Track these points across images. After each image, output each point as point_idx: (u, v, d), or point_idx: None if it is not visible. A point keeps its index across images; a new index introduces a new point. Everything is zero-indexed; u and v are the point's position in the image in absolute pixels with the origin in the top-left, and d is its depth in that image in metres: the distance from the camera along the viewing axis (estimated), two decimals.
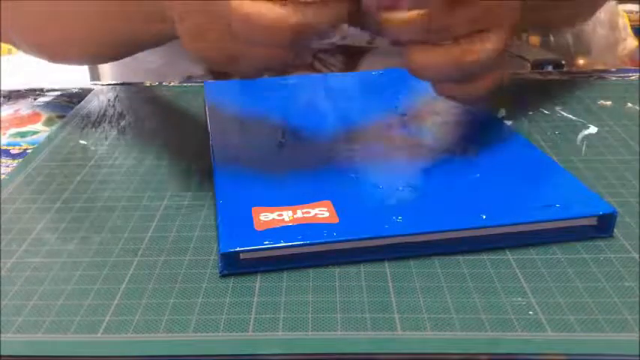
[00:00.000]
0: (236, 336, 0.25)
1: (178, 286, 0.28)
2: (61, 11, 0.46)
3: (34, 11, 0.47)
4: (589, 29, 0.76)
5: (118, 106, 0.51)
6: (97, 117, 0.49)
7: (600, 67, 0.67)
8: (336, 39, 0.59)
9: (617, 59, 0.81)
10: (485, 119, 0.42)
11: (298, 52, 0.33)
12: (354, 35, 0.59)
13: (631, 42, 0.83)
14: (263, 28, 0.30)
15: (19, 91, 0.56)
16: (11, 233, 0.33)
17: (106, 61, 0.65)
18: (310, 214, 0.30)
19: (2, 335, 0.26)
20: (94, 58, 0.58)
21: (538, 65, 0.57)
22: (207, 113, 0.45)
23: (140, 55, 0.64)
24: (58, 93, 0.56)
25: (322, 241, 0.29)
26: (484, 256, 0.30)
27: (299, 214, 0.31)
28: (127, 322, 0.26)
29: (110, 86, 0.56)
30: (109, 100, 0.52)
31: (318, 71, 0.62)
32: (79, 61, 0.57)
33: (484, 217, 0.30)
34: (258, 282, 0.28)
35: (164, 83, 0.57)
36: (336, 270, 0.29)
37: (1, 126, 0.48)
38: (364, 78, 0.53)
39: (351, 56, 0.62)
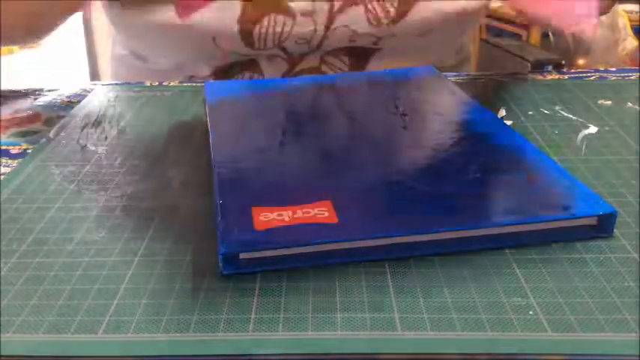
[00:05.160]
0: (236, 336, 0.25)
1: (178, 286, 0.28)
2: None
3: None
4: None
5: (117, 106, 0.51)
6: (97, 117, 0.49)
7: (600, 67, 0.67)
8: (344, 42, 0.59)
9: (617, 59, 0.81)
10: (485, 119, 0.42)
11: None
12: (359, 36, 0.59)
13: (631, 42, 0.83)
14: None
15: (19, 91, 0.56)
16: (11, 233, 0.33)
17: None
18: (310, 214, 0.30)
19: (2, 335, 0.26)
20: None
21: (538, 65, 0.57)
22: (207, 113, 0.45)
23: (146, 56, 0.64)
24: (58, 93, 0.56)
25: (322, 241, 0.29)
26: (484, 256, 0.30)
27: (299, 214, 0.31)
28: (127, 322, 0.26)
29: (110, 86, 0.56)
30: (108, 100, 0.52)
31: (325, 73, 0.62)
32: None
33: (484, 217, 0.30)
34: (258, 282, 0.28)
35: (164, 83, 0.57)
36: (336, 270, 0.29)
37: (1, 126, 0.48)
38: (365, 78, 0.53)
39: (358, 58, 0.62)
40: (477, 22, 0.67)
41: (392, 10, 0.58)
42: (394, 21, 0.58)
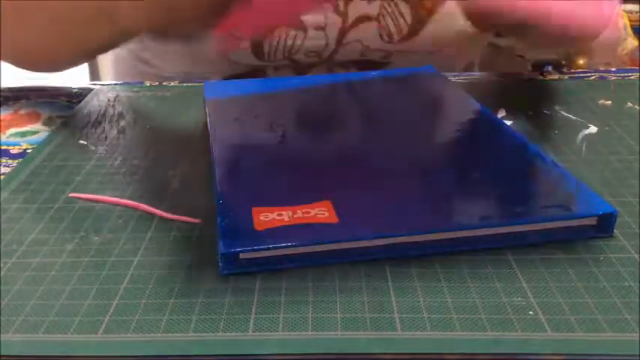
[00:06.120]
0: (236, 336, 0.25)
1: (178, 287, 0.28)
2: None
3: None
4: None
5: (117, 106, 0.51)
6: (97, 117, 0.49)
7: (600, 67, 0.67)
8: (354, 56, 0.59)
9: (617, 59, 0.80)
10: (485, 119, 0.42)
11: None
12: (371, 51, 0.59)
13: (631, 42, 0.83)
14: None
15: (19, 91, 0.56)
16: (11, 233, 0.33)
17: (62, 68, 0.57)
18: (310, 214, 0.30)
19: (2, 335, 0.26)
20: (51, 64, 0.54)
21: (538, 65, 0.57)
22: (207, 113, 0.45)
23: (151, 61, 0.64)
24: (58, 93, 0.56)
25: (322, 241, 0.29)
26: (484, 256, 0.30)
27: (299, 214, 0.31)
28: (127, 322, 0.26)
29: (110, 86, 0.56)
30: (108, 100, 0.52)
31: None
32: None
33: (484, 217, 0.30)
34: (258, 282, 0.28)
35: (164, 83, 0.57)
36: (336, 270, 0.29)
37: (1, 126, 0.48)
38: (365, 78, 0.53)
39: (367, 70, 0.62)
40: (487, 38, 0.67)
41: (405, 27, 0.57)
42: (407, 37, 0.58)
